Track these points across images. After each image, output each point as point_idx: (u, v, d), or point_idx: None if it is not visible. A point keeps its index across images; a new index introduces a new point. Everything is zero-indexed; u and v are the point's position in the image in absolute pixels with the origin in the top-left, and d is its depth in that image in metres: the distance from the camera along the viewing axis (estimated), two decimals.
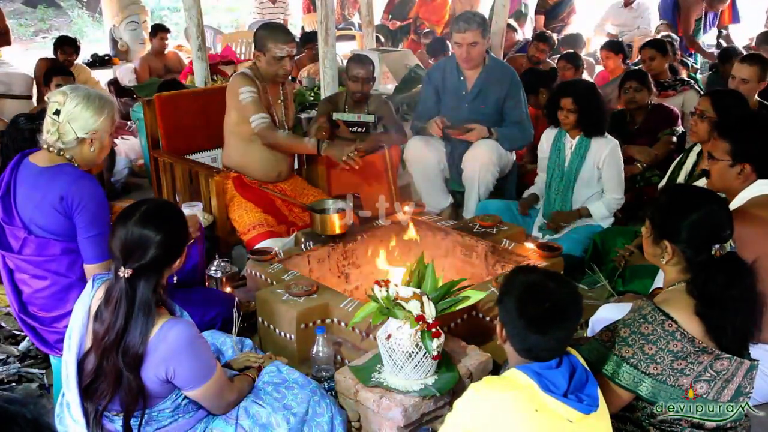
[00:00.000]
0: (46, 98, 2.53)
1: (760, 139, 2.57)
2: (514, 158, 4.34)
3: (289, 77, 3.88)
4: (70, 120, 2.41)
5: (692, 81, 5.08)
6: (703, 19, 7.20)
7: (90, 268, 2.42)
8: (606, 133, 3.69)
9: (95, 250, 2.42)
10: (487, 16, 7.32)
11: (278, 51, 3.55)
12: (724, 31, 7.36)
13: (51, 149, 2.46)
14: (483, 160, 4.03)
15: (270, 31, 3.62)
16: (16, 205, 2.45)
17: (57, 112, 2.41)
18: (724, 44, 7.15)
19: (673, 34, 6.44)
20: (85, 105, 2.43)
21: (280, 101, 3.76)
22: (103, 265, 2.40)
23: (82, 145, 2.47)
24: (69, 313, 2.07)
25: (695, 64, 6.49)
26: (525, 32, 8.13)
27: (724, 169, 2.59)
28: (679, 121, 4.42)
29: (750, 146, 2.55)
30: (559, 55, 6.03)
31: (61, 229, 2.42)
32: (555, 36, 7.58)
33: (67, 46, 6.31)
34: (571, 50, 6.10)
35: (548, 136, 3.85)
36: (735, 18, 7.35)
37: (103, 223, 2.43)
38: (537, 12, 8.18)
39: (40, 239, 2.44)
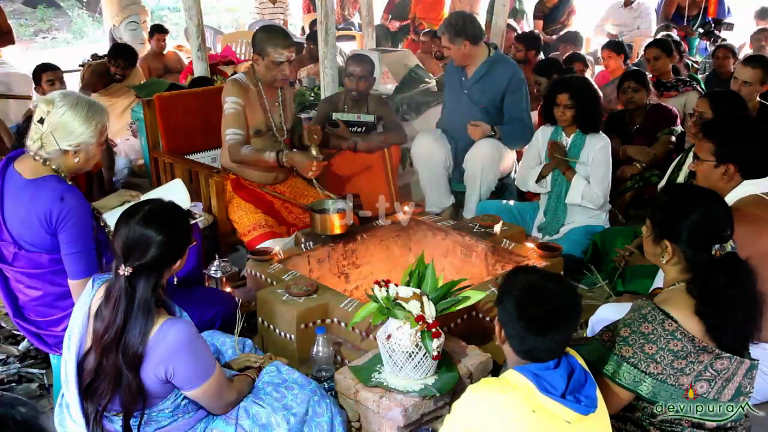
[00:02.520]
0: (31, 105, 2.44)
1: (743, 139, 2.58)
2: (515, 158, 4.34)
3: (288, 81, 3.85)
4: (54, 130, 2.31)
5: (694, 82, 5.08)
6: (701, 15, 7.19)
7: (73, 284, 2.38)
8: (600, 131, 3.69)
9: (78, 267, 2.37)
10: (485, 15, 7.35)
11: (277, 56, 3.50)
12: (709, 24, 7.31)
13: (37, 158, 2.37)
14: (485, 159, 4.03)
15: (269, 35, 3.56)
16: (4, 219, 2.39)
17: (41, 121, 2.32)
18: (701, 31, 7.13)
19: (673, 34, 6.44)
20: (72, 115, 2.32)
21: (277, 104, 3.72)
22: (86, 282, 2.30)
23: (66, 156, 2.37)
24: (66, 317, 2.06)
25: (696, 64, 6.49)
26: (524, 32, 8.12)
27: (709, 169, 2.60)
28: (678, 120, 4.42)
29: (733, 147, 2.57)
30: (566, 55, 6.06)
31: (48, 245, 2.37)
32: (554, 38, 7.60)
33: (121, 59, 5.89)
34: (576, 51, 6.13)
35: (544, 133, 3.84)
36: (720, 12, 7.30)
37: (86, 240, 2.37)
38: (535, 17, 8.17)
39: (31, 253, 2.40)
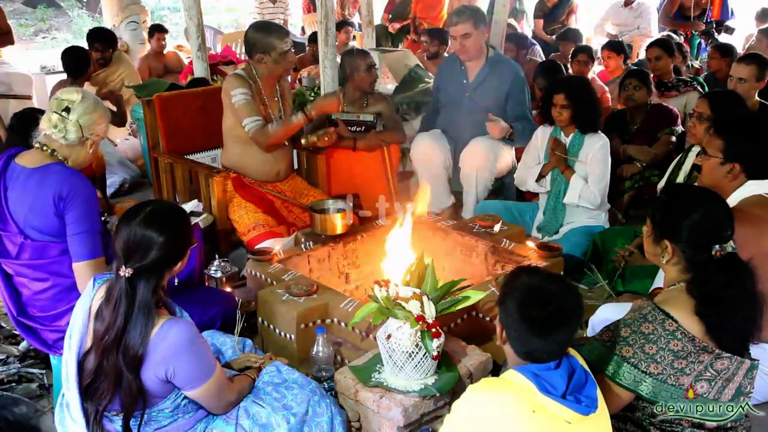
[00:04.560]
0: (57, 95, 2.50)
1: (752, 139, 2.58)
2: (514, 157, 4.34)
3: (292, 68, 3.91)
4: (80, 118, 2.45)
5: (695, 82, 5.08)
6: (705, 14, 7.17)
7: (78, 267, 2.41)
8: (599, 131, 3.69)
9: (83, 248, 2.40)
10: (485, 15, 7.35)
11: (284, 45, 3.55)
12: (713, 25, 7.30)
13: (45, 148, 2.46)
14: (480, 160, 4.03)
15: (267, 31, 3.60)
16: (9, 210, 2.43)
17: (67, 110, 2.44)
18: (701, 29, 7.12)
19: (673, 34, 6.44)
20: (94, 107, 2.51)
21: (276, 98, 3.76)
22: (91, 264, 2.39)
23: (83, 145, 2.50)
24: (70, 310, 2.07)
25: (695, 64, 6.49)
26: (524, 31, 8.12)
27: (715, 166, 2.60)
28: (679, 121, 4.42)
29: (743, 146, 2.56)
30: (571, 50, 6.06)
31: (57, 229, 2.41)
32: (553, 37, 7.59)
33: (98, 42, 5.74)
34: (584, 45, 6.14)
35: (543, 133, 3.84)
36: (724, 13, 7.29)
37: (92, 221, 2.43)
38: (536, 16, 8.17)
39: (38, 243, 2.43)
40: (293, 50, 3.64)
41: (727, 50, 5.44)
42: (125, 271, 1.90)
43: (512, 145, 4.17)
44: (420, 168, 4.31)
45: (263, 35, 3.57)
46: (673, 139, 4.31)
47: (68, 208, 2.39)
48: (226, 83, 3.64)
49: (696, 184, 2.74)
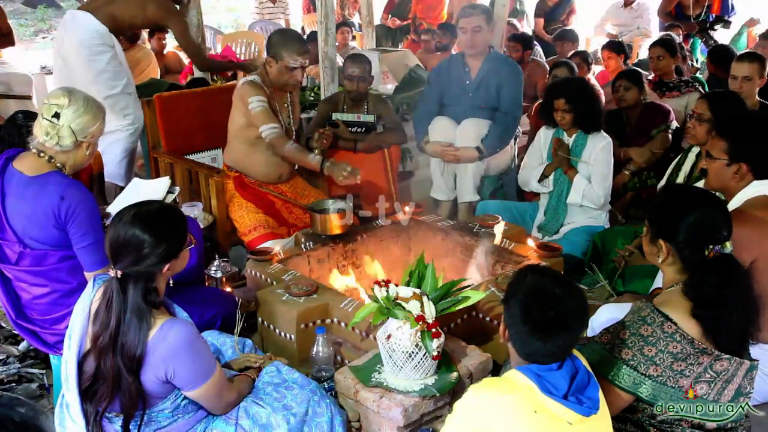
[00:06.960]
0: (45, 100, 2.44)
1: (757, 138, 2.57)
2: (515, 155, 4.33)
3: (299, 86, 3.84)
4: (71, 123, 2.39)
5: (697, 83, 5.08)
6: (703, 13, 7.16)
7: (90, 276, 2.38)
8: (602, 131, 3.69)
9: (93, 258, 2.39)
10: None
11: (292, 62, 3.51)
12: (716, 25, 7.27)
13: (42, 155, 2.40)
14: (472, 136, 4.06)
15: (285, 40, 3.55)
16: (6, 217, 2.40)
17: (56, 115, 2.37)
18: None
19: (672, 34, 6.44)
20: (85, 109, 2.41)
21: (286, 105, 3.74)
22: (103, 272, 2.38)
23: (78, 149, 2.45)
24: (69, 313, 2.06)
25: (696, 64, 6.48)
26: (525, 31, 8.13)
27: (721, 168, 2.59)
28: (672, 116, 4.38)
29: (747, 146, 2.56)
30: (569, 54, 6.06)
31: (56, 240, 2.39)
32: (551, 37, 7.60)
33: None
34: (575, 48, 6.14)
35: (546, 134, 3.84)
36: (724, 9, 7.27)
37: (97, 231, 2.40)
38: (536, 15, 8.18)
39: (37, 251, 2.41)
40: (301, 71, 3.56)
41: (720, 56, 5.40)
42: (115, 272, 1.90)
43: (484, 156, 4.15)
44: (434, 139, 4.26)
45: (279, 41, 3.54)
46: (669, 134, 4.29)
47: (71, 222, 2.36)
48: (242, 89, 3.58)
49: (703, 186, 2.72)
